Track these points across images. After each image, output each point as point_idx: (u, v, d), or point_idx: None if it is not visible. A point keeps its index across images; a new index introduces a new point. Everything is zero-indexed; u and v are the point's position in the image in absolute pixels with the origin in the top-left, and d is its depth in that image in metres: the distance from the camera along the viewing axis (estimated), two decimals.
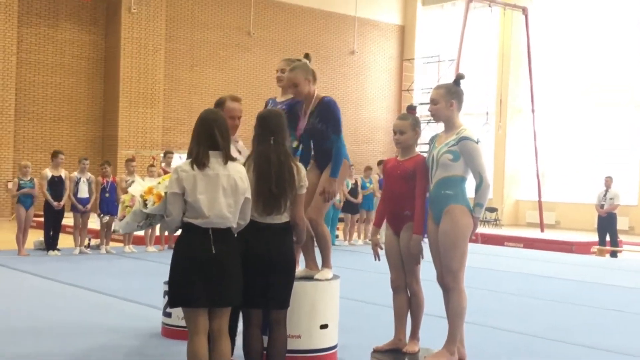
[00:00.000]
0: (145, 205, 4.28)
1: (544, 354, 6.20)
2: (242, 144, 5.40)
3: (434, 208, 4.91)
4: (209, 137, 4.19)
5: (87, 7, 21.91)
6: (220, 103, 5.18)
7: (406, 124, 5.09)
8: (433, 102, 4.97)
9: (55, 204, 12.06)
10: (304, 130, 5.34)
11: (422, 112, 23.23)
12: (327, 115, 5.24)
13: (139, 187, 4.36)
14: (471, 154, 4.82)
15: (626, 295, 9.73)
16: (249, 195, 4.28)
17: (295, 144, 5.38)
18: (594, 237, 16.90)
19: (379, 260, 5.29)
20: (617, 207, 15.96)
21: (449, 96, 4.93)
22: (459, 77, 5.05)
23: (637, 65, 22.72)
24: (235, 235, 4.32)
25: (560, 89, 24.59)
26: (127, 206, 4.42)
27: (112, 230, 12.64)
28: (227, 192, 4.17)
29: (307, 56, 5.51)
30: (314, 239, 5.39)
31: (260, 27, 24.93)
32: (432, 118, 5.12)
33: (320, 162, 5.38)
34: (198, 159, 4.16)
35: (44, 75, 21.41)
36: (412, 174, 5.01)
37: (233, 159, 4.27)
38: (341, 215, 15.59)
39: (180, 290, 4.17)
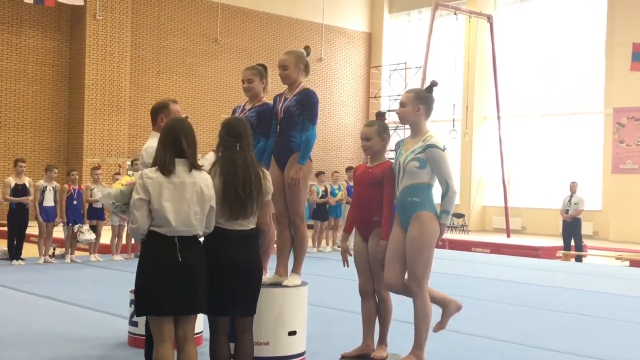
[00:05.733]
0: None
1: (512, 358, 6.25)
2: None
3: (402, 215, 4.92)
4: (176, 144, 4.17)
5: (51, 14, 21.62)
6: (164, 106, 5.05)
7: (372, 131, 5.10)
8: (402, 104, 5.02)
9: (23, 199, 11.90)
10: (282, 113, 5.33)
11: (391, 119, 23.37)
12: (305, 102, 5.28)
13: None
14: (437, 161, 4.84)
15: (592, 299, 9.85)
16: (213, 203, 4.26)
17: (279, 128, 5.37)
18: (559, 242, 17.10)
19: (348, 266, 5.29)
20: (582, 212, 16.14)
21: (417, 101, 4.96)
22: (432, 84, 5.06)
23: (601, 73, 23.05)
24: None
25: (526, 96, 24.85)
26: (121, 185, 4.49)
27: (77, 238, 12.47)
28: (193, 199, 4.14)
29: (306, 49, 5.51)
30: (292, 244, 5.39)
31: (227, 34, 24.86)
32: (399, 123, 5.18)
33: (280, 156, 5.36)
34: (164, 166, 4.12)
35: (7, 82, 21.08)
36: (380, 180, 5.02)
37: (199, 167, 4.25)
38: (310, 222, 15.56)
39: (147, 299, 4.13)
